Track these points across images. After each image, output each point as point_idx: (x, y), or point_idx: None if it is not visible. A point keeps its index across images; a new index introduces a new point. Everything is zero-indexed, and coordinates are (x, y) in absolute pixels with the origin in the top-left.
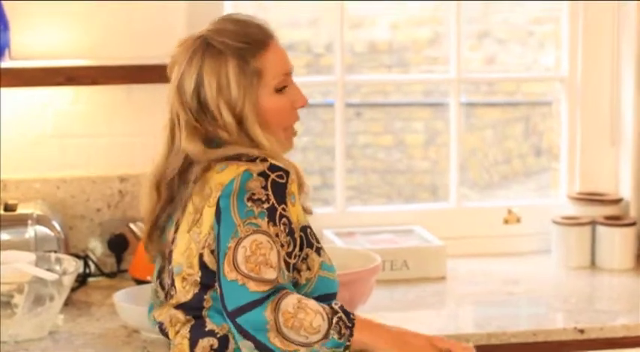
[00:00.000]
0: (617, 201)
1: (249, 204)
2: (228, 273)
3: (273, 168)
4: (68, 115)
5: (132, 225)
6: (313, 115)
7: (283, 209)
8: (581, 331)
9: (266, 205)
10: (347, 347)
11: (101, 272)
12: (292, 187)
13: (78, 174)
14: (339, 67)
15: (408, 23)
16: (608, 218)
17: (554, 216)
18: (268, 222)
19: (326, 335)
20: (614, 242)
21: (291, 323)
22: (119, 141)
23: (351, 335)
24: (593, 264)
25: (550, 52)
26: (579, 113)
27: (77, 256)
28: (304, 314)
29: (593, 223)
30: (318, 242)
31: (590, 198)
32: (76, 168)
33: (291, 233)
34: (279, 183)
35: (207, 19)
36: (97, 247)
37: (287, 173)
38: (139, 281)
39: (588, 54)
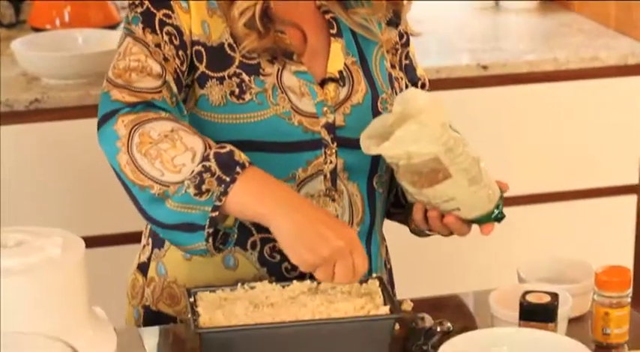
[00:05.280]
0: None
1: (127, 10)
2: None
3: None
4: None
5: None
6: None
7: (165, 15)
8: (485, 67)
9: (139, 9)
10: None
11: (0, 24)
12: None
13: None
14: None
15: None
16: None
17: None
18: (144, 29)
19: (183, 181)
20: None
21: (146, 149)
22: None
23: (220, 198)
24: (497, 4)
25: None
26: None
27: None
28: (170, 145)
29: None
30: (219, 70)
31: None
32: None
33: (182, 46)
34: None
35: None
36: None
37: None
38: (38, 30)
39: None
